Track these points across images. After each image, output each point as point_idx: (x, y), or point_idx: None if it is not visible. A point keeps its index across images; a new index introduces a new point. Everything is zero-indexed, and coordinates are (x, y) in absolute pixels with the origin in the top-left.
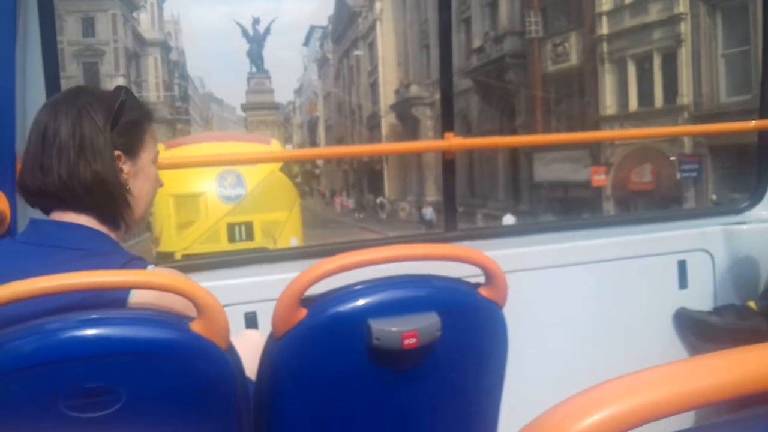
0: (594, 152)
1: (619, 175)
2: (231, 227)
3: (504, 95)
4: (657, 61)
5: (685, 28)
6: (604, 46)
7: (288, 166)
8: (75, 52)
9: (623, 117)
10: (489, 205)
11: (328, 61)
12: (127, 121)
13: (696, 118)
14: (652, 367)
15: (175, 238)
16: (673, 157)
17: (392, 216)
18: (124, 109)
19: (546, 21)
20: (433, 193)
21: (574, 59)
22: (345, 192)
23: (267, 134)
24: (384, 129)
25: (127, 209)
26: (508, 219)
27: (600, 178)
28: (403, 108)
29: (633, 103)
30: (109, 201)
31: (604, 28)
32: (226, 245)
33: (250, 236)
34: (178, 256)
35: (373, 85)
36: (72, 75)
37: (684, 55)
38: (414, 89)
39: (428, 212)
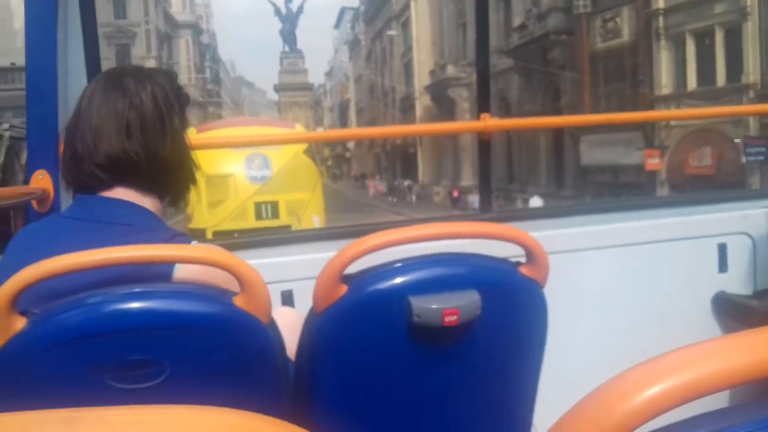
0: (648, 134)
1: (675, 159)
2: (258, 206)
3: (547, 75)
4: (719, 37)
5: (751, 0)
6: (660, 21)
7: (318, 149)
8: (106, 34)
9: (680, 96)
10: (529, 190)
11: (360, 42)
12: (183, 106)
13: (762, 98)
14: (707, 340)
15: (207, 215)
16: (737, 139)
17: (425, 200)
18: (181, 92)
19: None
20: (469, 177)
21: (626, 35)
22: (378, 176)
23: (300, 116)
24: (418, 111)
25: (191, 185)
26: (536, 201)
27: (654, 161)
28: (439, 89)
29: (692, 82)
30: (184, 175)
31: (660, 2)
32: (254, 222)
33: (275, 214)
34: (209, 233)
35: (407, 66)
36: (104, 57)
37: (750, 29)
38: (450, 70)
39: (476, 200)
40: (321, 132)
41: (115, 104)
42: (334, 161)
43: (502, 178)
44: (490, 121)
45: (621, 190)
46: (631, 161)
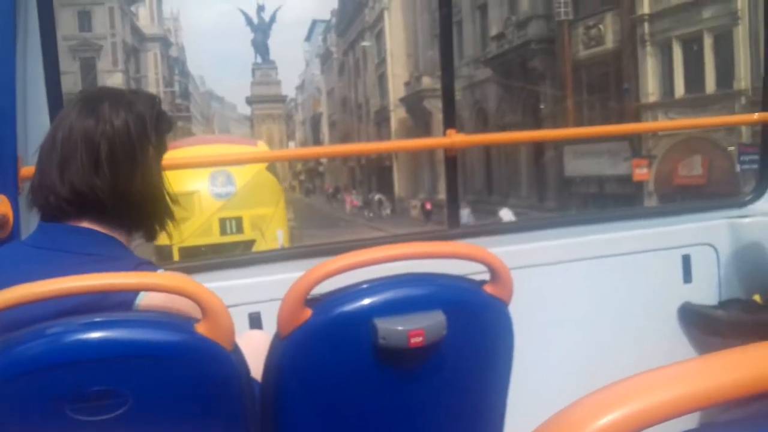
0: (635, 144)
1: (663, 168)
2: (222, 221)
3: (527, 84)
4: (708, 42)
5: (741, 4)
6: (646, 27)
7: (290, 163)
8: (71, 47)
9: (668, 104)
10: (510, 202)
11: (332, 55)
12: (163, 132)
13: (755, 104)
14: (665, 365)
15: (172, 231)
16: (731, 148)
17: (402, 214)
18: (162, 119)
19: (577, 2)
20: (443, 191)
21: (609, 42)
22: (353, 190)
23: (274, 129)
24: (393, 123)
25: (170, 218)
26: (505, 213)
27: (642, 171)
28: (414, 101)
29: (679, 89)
30: (156, 210)
31: (645, 7)
32: (219, 237)
33: (240, 230)
34: (174, 249)
35: (381, 78)
36: (68, 71)
37: (741, 33)
38: (426, 81)
39: (465, 213)
40: (287, 150)
41: (86, 132)
42: (307, 175)
43: (481, 190)
44: (456, 137)
45: (607, 201)
46: (618, 171)
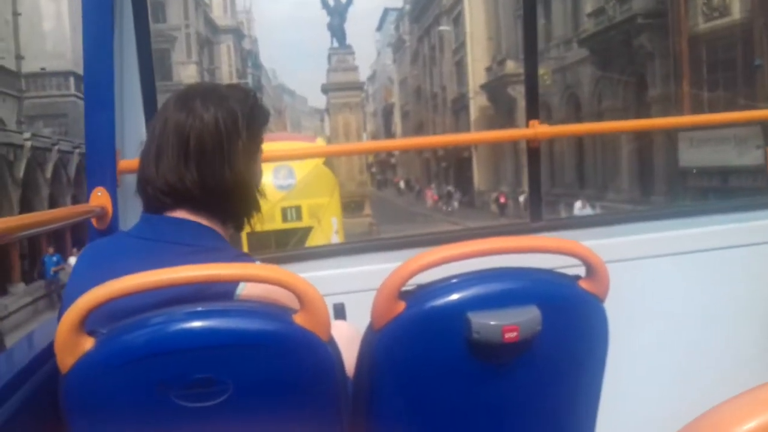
0: None
1: None
2: (284, 210)
3: (630, 65)
4: None
5: None
6: None
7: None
8: None
9: None
10: (608, 196)
11: (405, 43)
12: (258, 127)
13: None
14: None
15: None
16: None
17: (483, 208)
18: (256, 113)
19: None
20: None
21: (737, 13)
22: (431, 184)
23: (351, 119)
24: (473, 112)
25: (256, 210)
26: (579, 206)
27: None
28: (497, 87)
29: None
30: (244, 203)
31: None
32: (281, 224)
33: (299, 217)
34: (243, 236)
35: (459, 64)
36: None
37: None
38: (510, 65)
39: (578, 205)
40: (353, 144)
41: (178, 125)
42: (379, 168)
43: (572, 182)
44: (539, 128)
45: (731, 196)
46: (746, 162)
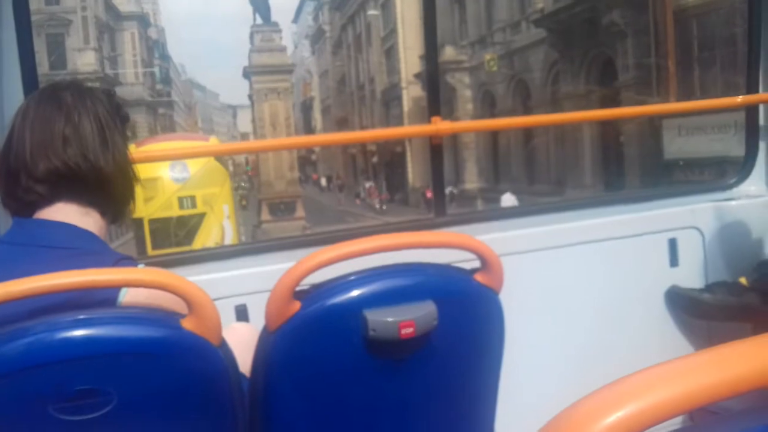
0: None
1: None
2: (180, 199)
3: (595, 46)
4: None
5: None
6: None
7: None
8: (37, 22)
9: None
10: (565, 193)
11: (324, 34)
12: (125, 120)
13: None
14: (669, 360)
15: (143, 208)
16: None
17: (418, 206)
18: (122, 109)
19: None
20: (474, 179)
21: None
22: (358, 180)
23: (279, 106)
24: (406, 103)
25: (128, 200)
26: (508, 199)
27: None
28: None
29: None
30: (124, 189)
31: None
32: (178, 211)
33: (194, 205)
34: (145, 221)
35: (390, 53)
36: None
37: None
38: (448, 52)
39: (506, 197)
40: (246, 143)
41: (51, 119)
42: (298, 164)
43: (518, 176)
44: (441, 125)
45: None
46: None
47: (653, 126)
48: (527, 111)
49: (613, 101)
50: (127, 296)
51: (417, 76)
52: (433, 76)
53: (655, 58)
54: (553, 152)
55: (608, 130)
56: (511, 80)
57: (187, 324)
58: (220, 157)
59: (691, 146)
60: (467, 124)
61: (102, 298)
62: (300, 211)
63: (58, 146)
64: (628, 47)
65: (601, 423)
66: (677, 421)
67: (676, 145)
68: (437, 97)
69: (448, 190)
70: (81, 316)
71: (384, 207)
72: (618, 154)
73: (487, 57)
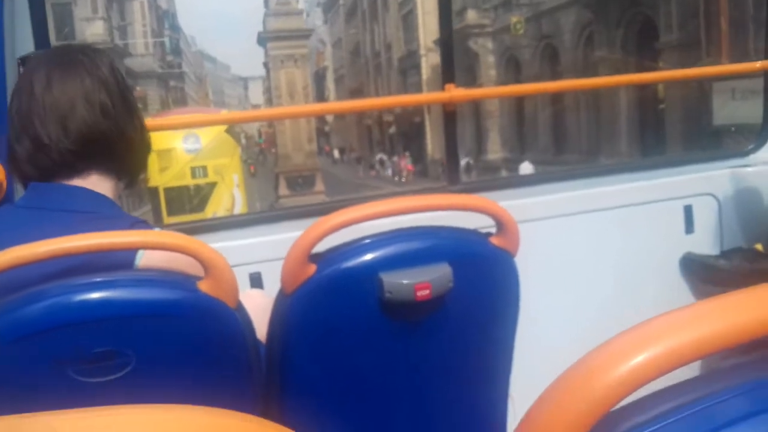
0: None
1: None
2: (192, 169)
3: (632, 5)
4: None
5: None
6: None
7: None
8: None
9: None
10: (601, 162)
11: (338, 1)
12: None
13: None
14: (683, 307)
15: (158, 177)
16: None
17: (438, 178)
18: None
19: None
20: (497, 149)
21: None
22: (373, 151)
23: (296, 74)
24: (425, 71)
25: (145, 164)
26: (526, 167)
27: None
28: (455, 41)
29: None
30: (139, 157)
31: None
32: (190, 180)
33: (205, 174)
34: (161, 189)
35: (408, 18)
36: None
37: None
38: (471, 15)
39: (524, 166)
40: (255, 111)
41: (83, 83)
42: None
43: (547, 146)
44: (455, 92)
45: None
46: None
47: (702, 89)
48: (556, 77)
49: (652, 66)
50: (143, 259)
51: (436, 42)
52: (447, 42)
53: (704, 17)
54: (585, 119)
55: (647, 94)
56: (538, 44)
57: (204, 286)
58: (232, 131)
59: (746, 110)
60: (482, 91)
61: (119, 261)
62: (320, 185)
63: (95, 113)
64: (671, 5)
65: (626, 365)
66: (696, 366)
67: (728, 110)
68: (451, 64)
69: (464, 161)
70: (98, 279)
71: (403, 179)
72: (658, 120)
73: (513, 20)
